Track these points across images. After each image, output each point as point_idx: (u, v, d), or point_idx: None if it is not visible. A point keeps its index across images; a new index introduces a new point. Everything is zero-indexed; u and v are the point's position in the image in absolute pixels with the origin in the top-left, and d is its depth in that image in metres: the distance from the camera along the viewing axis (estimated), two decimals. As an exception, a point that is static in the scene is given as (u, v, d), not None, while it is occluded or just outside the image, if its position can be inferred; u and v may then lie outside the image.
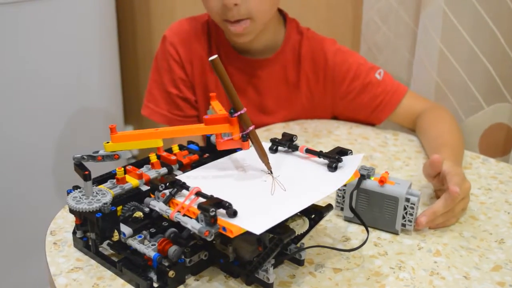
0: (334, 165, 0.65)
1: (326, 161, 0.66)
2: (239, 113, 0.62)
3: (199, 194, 0.57)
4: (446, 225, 0.75)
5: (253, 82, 1.07)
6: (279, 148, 0.71)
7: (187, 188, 0.58)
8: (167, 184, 0.59)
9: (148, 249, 0.61)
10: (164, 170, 0.69)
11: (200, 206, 0.54)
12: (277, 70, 1.07)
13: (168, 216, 0.57)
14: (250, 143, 0.65)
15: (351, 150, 0.67)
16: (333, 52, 1.07)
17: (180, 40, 1.07)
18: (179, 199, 0.58)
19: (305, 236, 0.66)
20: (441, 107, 1.07)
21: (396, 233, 0.73)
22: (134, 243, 0.62)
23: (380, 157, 0.96)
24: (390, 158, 0.96)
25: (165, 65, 1.09)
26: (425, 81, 1.16)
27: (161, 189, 0.59)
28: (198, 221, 0.54)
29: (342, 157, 0.66)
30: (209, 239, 0.53)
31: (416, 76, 1.19)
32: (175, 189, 0.59)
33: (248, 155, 0.68)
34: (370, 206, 0.72)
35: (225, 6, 0.92)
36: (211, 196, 0.56)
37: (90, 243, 0.66)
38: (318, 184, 0.62)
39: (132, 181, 0.66)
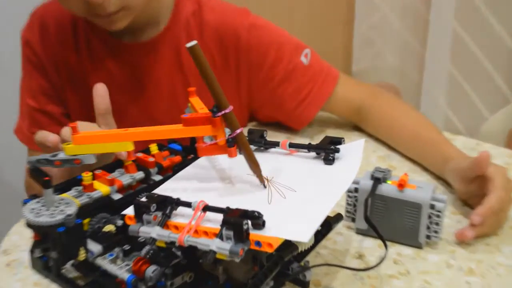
0: (331, 156, 0.65)
1: (314, 155, 0.67)
2: (223, 112, 0.59)
3: (207, 209, 0.55)
4: (495, 230, 0.75)
5: (136, 75, 0.97)
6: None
7: (184, 204, 0.57)
8: (157, 203, 0.57)
9: (121, 270, 0.60)
10: (140, 175, 0.68)
11: (227, 221, 0.52)
12: (166, 54, 0.95)
13: (173, 242, 0.55)
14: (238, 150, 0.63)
15: (343, 138, 0.67)
16: (247, 28, 0.95)
17: (39, 37, 0.97)
18: (174, 220, 0.57)
19: (310, 252, 0.65)
20: (384, 91, 1.03)
21: (419, 247, 0.72)
22: (104, 263, 0.61)
23: (399, 157, 0.95)
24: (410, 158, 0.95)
25: (23, 70, 1.01)
26: (436, 71, 1.14)
27: (152, 210, 0.56)
28: (222, 240, 0.52)
29: (338, 147, 0.66)
30: (237, 260, 0.52)
31: (428, 67, 1.18)
32: (169, 208, 0.56)
33: (235, 160, 0.65)
34: (387, 216, 0.72)
35: (90, 3, 0.81)
36: (228, 208, 0.54)
37: (50, 264, 0.65)
38: (324, 181, 0.62)
39: (101, 188, 0.65)
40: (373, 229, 0.70)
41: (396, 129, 0.96)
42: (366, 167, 0.77)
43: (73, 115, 1.01)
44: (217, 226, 0.53)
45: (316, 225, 0.53)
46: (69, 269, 0.65)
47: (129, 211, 0.59)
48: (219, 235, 0.52)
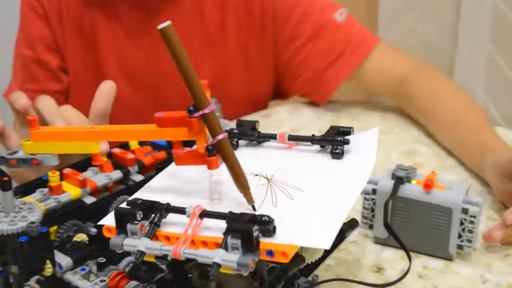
0: (339, 149, 0.63)
1: (319, 148, 0.66)
2: (201, 112, 0.54)
3: (205, 215, 0.53)
4: None
5: (150, 23, 0.99)
6: (240, 142, 0.69)
7: (176, 210, 0.54)
8: (144, 210, 0.54)
9: (95, 287, 0.57)
10: (117, 174, 0.66)
11: (233, 228, 0.50)
12: (188, 6, 0.98)
13: (166, 255, 0.52)
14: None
15: (352, 128, 0.65)
16: None
17: None
18: (164, 229, 0.54)
19: (319, 265, 0.65)
20: (432, 67, 1.03)
21: (449, 259, 0.71)
22: (75, 278, 0.58)
23: (426, 151, 0.95)
24: (439, 153, 0.95)
25: (21, 20, 1.02)
26: (473, 50, 1.14)
27: (139, 218, 0.53)
28: (227, 250, 0.50)
29: (347, 137, 0.64)
30: (247, 272, 0.50)
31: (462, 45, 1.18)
32: (158, 215, 0.54)
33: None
34: (411, 222, 0.71)
35: None
36: (231, 212, 0.52)
37: (11, 280, 0.61)
38: (335, 178, 0.61)
39: (71, 191, 0.63)
40: (394, 238, 0.69)
41: (440, 110, 0.95)
42: (386, 165, 0.77)
43: (72, 72, 1.02)
44: (218, 235, 0.51)
45: (336, 229, 0.51)
46: (33, 286, 0.60)
47: (108, 220, 0.56)
48: (223, 245, 0.50)
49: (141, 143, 0.70)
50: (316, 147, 0.66)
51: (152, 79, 1.03)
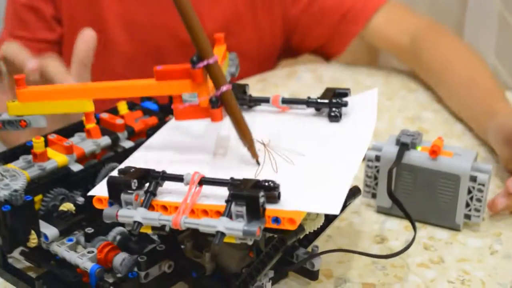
0: (336, 112, 0.63)
1: (314, 112, 0.66)
2: (205, 62, 0.55)
3: (205, 182, 0.53)
4: None
5: None
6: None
7: (173, 178, 0.54)
8: (138, 178, 0.54)
9: (83, 259, 0.56)
10: (105, 141, 0.65)
11: (237, 194, 0.50)
12: None
13: (165, 226, 0.52)
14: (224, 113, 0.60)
15: (349, 89, 0.65)
16: None
17: None
18: (160, 199, 0.54)
19: (319, 235, 0.63)
20: (445, 27, 1.03)
21: (456, 230, 0.71)
22: (62, 250, 0.57)
23: (432, 117, 0.95)
24: (446, 119, 0.94)
25: None
26: (483, 11, 1.12)
27: (134, 187, 0.53)
28: (232, 219, 0.50)
29: (345, 99, 0.64)
30: (250, 243, 0.50)
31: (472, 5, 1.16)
32: (154, 184, 0.54)
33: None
34: (417, 190, 0.71)
35: None
36: (232, 179, 0.52)
37: None
38: (335, 142, 0.61)
39: (57, 158, 0.62)
40: (398, 207, 0.67)
41: (451, 72, 0.94)
42: (391, 131, 0.78)
43: (66, 22, 1.01)
44: (219, 203, 0.51)
45: (344, 193, 0.52)
46: (17, 258, 0.62)
47: (98, 190, 0.55)
48: (226, 213, 0.50)
49: (131, 108, 0.70)
50: (311, 110, 0.65)
51: (154, 34, 1.02)
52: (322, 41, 1.07)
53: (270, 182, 0.50)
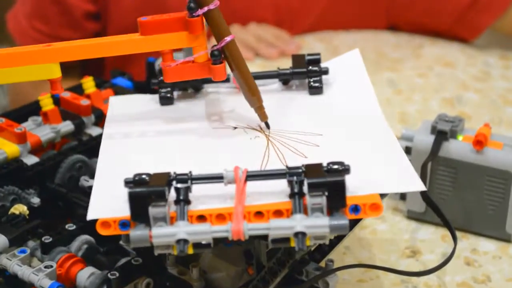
0: (317, 83, 0.61)
1: (281, 86, 0.63)
2: (206, 8, 0.52)
3: (252, 177, 0.50)
4: None
5: None
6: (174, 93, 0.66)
7: (210, 178, 0.50)
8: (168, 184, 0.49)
9: (39, 275, 0.53)
10: (67, 127, 0.61)
11: (316, 182, 0.47)
12: None
13: (223, 238, 0.48)
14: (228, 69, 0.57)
15: (319, 54, 0.62)
16: None
17: None
18: (192, 208, 0.50)
19: (335, 247, 0.61)
20: None
21: (507, 240, 0.68)
22: (12, 263, 0.54)
23: (476, 99, 0.92)
24: (494, 101, 0.92)
25: None
26: None
27: (167, 198, 0.48)
28: (309, 215, 0.47)
29: (324, 65, 0.62)
30: (326, 242, 0.48)
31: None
32: (184, 189, 0.49)
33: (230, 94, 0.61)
34: (457, 191, 0.68)
35: None
36: (288, 167, 0.49)
37: None
38: (342, 116, 0.58)
39: (6, 147, 0.59)
40: (434, 212, 0.64)
41: None
42: (424, 115, 0.77)
43: (109, 17, 1.01)
44: (273, 200, 0.48)
45: (411, 167, 0.50)
46: None
47: (96, 211, 0.49)
48: (297, 209, 0.47)
49: (99, 85, 0.65)
50: (276, 85, 0.63)
51: None
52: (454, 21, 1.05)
53: (337, 165, 0.48)
